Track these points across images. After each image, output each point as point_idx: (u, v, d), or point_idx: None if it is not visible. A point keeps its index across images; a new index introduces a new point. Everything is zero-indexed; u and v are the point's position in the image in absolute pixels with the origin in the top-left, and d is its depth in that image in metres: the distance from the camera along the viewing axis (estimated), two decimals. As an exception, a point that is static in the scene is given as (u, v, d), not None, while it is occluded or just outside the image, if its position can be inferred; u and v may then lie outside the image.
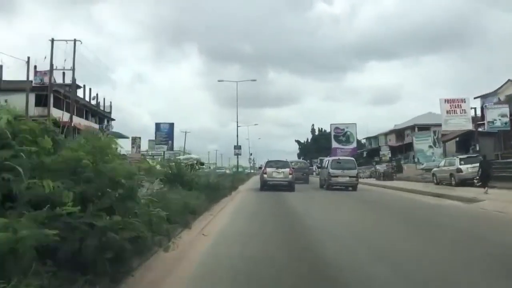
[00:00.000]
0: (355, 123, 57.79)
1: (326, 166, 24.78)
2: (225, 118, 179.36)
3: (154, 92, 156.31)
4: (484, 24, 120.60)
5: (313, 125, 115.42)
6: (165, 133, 57.68)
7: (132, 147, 50.64)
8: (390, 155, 42.36)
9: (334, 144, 56.62)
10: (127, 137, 49.21)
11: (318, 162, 70.94)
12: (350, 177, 22.70)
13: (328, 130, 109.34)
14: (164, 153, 63.38)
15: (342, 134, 56.13)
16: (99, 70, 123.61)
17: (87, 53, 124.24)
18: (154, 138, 58.95)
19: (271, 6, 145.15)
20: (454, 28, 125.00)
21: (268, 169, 22.93)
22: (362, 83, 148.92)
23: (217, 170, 65.45)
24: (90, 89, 45.66)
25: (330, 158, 26.58)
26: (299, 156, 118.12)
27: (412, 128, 60.46)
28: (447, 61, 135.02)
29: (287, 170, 22.60)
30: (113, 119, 52.13)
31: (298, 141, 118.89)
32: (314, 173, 57.45)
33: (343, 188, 22.79)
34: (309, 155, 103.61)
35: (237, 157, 44.07)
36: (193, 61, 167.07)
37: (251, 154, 79.59)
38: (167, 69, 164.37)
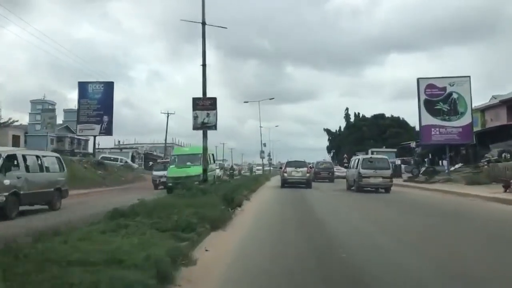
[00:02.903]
0: (469, 76, 28.94)
1: (355, 165, 21.89)
2: (243, 115, 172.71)
3: (170, 89, 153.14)
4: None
5: (347, 109, 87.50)
6: (96, 102, 31.34)
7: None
8: None
9: (426, 119, 28.39)
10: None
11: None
12: (383, 177, 20.36)
13: (367, 115, 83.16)
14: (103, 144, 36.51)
15: (443, 99, 27.93)
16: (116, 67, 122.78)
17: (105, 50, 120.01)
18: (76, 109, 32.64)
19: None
20: (480, 18, 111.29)
21: (288, 169, 24.58)
22: (384, 77, 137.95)
23: (156, 172, 32.98)
24: None
25: (361, 157, 22.92)
26: (329, 149, 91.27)
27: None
28: (473, 52, 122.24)
29: (304, 169, 24.51)
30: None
31: (327, 131, 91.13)
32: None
33: (373, 190, 20.69)
34: (344, 149, 76.27)
35: (204, 134, 17.12)
36: (209, 57, 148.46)
37: (264, 145, 52.96)
38: (183, 65, 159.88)
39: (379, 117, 77.91)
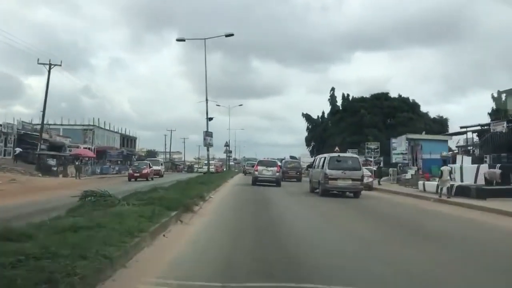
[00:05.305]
0: None
1: (320, 165, 19.13)
2: (208, 109, 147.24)
3: (133, 79, 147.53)
4: (477, 17, 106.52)
5: (333, 89, 65.45)
6: None
7: None
8: None
9: None
10: None
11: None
12: (353, 180, 17.67)
13: (372, 91, 61.47)
14: None
15: None
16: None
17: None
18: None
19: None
20: (446, 20, 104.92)
21: (259, 167, 25.20)
22: (350, 75, 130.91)
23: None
24: None
25: (327, 155, 19.35)
26: (308, 140, 69.08)
27: None
28: (438, 54, 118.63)
29: (275, 168, 25.10)
30: None
31: (307, 116, 68.77)
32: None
33: (340, 193, 17.94)
34: (331, 139, 54.33)
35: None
36: (172, 48, 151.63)
37: (210, 119, 28.76)
38: (145, 55, 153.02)
39: (382, 97, 56.31)
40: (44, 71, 34.73)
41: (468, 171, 18.62)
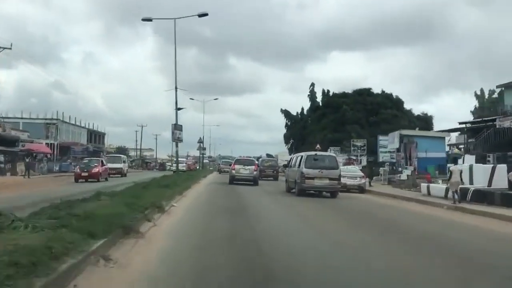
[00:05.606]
0: None
1: (296, 164, 18.77)
2: (184, 105, 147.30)
3: (106, 74, 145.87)
4: (452, 18, 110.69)
5: (312, 85, 62.92)
6: None
7: None
8: None
9: None
10: None
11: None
12: (330, 179, 17.14)
13: (348, 91, 58.78)
14: None
15: None
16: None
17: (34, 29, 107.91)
18: None
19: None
20: (422, 21, 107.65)
21: (236, 166, 25.01)
22: (326, 74, 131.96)
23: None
24: None
25: (304, 154, 18.95)
26: (287, 138, 66.28)
27: None
28: (413, 54, 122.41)
29: (252, 167, 24.72)
30: None
31: (286, 112, 65.88)
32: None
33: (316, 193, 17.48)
34: (310, 136, 52.06)
35: None
36: (147, 43, 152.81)
37: (179, 109, 25.63)
38: (119, 50, 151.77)
39: (365, 92, 54.00)
40: (13, 64, 30.60)
41: (479, 172, 15.97)
